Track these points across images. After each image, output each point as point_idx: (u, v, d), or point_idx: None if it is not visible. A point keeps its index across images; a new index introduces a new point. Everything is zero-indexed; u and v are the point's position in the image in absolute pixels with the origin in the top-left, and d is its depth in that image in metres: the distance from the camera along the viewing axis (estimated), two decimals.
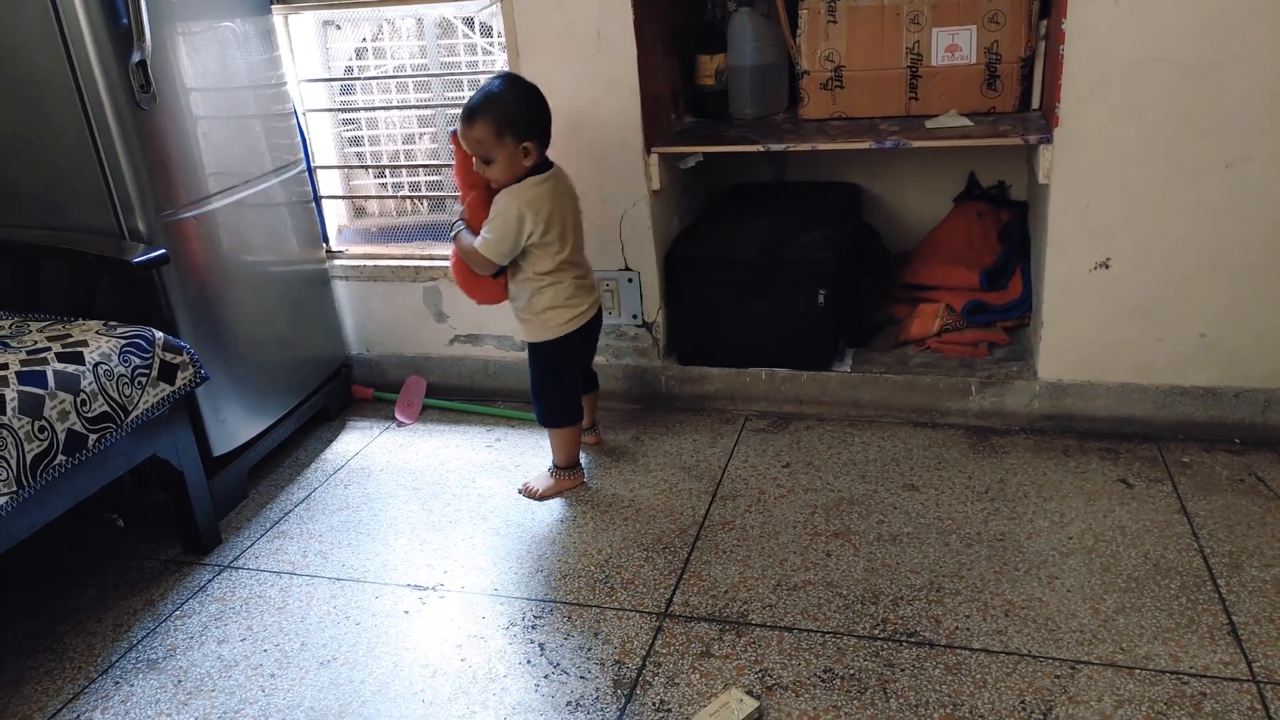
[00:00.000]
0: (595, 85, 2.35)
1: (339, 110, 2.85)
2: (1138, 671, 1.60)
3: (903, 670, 1.64)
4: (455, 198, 2.89)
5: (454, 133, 2.05)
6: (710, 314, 2.51)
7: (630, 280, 2.53)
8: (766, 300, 2.44)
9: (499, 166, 2.01)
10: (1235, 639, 1.65)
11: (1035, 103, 2.41)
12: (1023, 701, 1.55)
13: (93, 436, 1.80)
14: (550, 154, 2.46)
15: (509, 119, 1.97)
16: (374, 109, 2.86)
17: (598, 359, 2.65)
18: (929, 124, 2.35)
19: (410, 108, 2.86)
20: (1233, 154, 2.03)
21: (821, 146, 2.31)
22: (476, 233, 2.07)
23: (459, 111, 2.03)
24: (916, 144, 2.24)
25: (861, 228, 2.84)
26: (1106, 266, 2.19)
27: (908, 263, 2.77)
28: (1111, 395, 2.29)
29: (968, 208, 2.77)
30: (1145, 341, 2.22)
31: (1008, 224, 2.69)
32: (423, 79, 2.80)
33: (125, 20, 1.96)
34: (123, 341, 1.90)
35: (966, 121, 2.34)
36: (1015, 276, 2.59)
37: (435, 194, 2.92)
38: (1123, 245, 2.16)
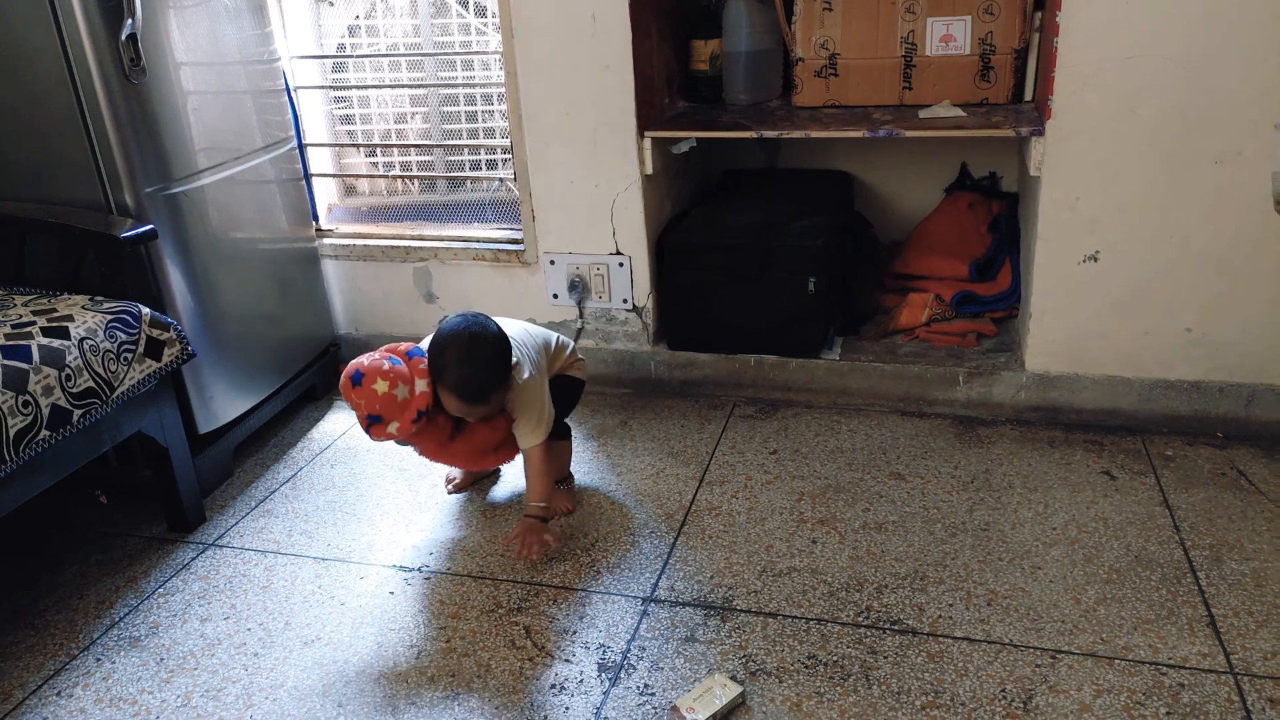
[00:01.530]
0: (589, 68, 2.34)
1: (331, 88, 2.83)
2: (1117, 662, 1.61)
3: (885, 658, 1.65)
4: (447, 178, 2.88)
5: (420, 417, 1.84)
6: (701, 300, 2.51)
7: (621, 264, 2.53)
8: (757, 287, 2.44)
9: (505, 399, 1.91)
10: (1214, 631, 1.66)
11: (1028, 94, 2.41)
12: (1003, 690, 1.57)
13: (77, 412, 1.79)
14: (544, 135, 2.45)
15: (505, 368, 1.86)
16: (366, 87, 2.84)
17: (586, 342, 2.65)
18: (922, 114, 2.35)
19: (403, 86, 2.84)
20: (1223, 149, 2.03)
21: (815, 134, 2.31)
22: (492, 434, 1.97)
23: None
24: (910, 134, 2.24)
25: (853, 216, 2.84)
26: (1095, 259, 2.19)
27: (898, 252, 2.77)
28: (1097, 387, 2.31)
29: (959, 198, 2.77)
30: (1132, 335, 2.24)
31: (998, 215, 2.70)
32: (416, 58, 2.78)
33: None
34: (109, 317, 1.89)
35: (959, 112, 2.34)
36: (1005, 268, 2.60)
37: (427, 174, 2.91)
38: (1112, 239, 2.17)
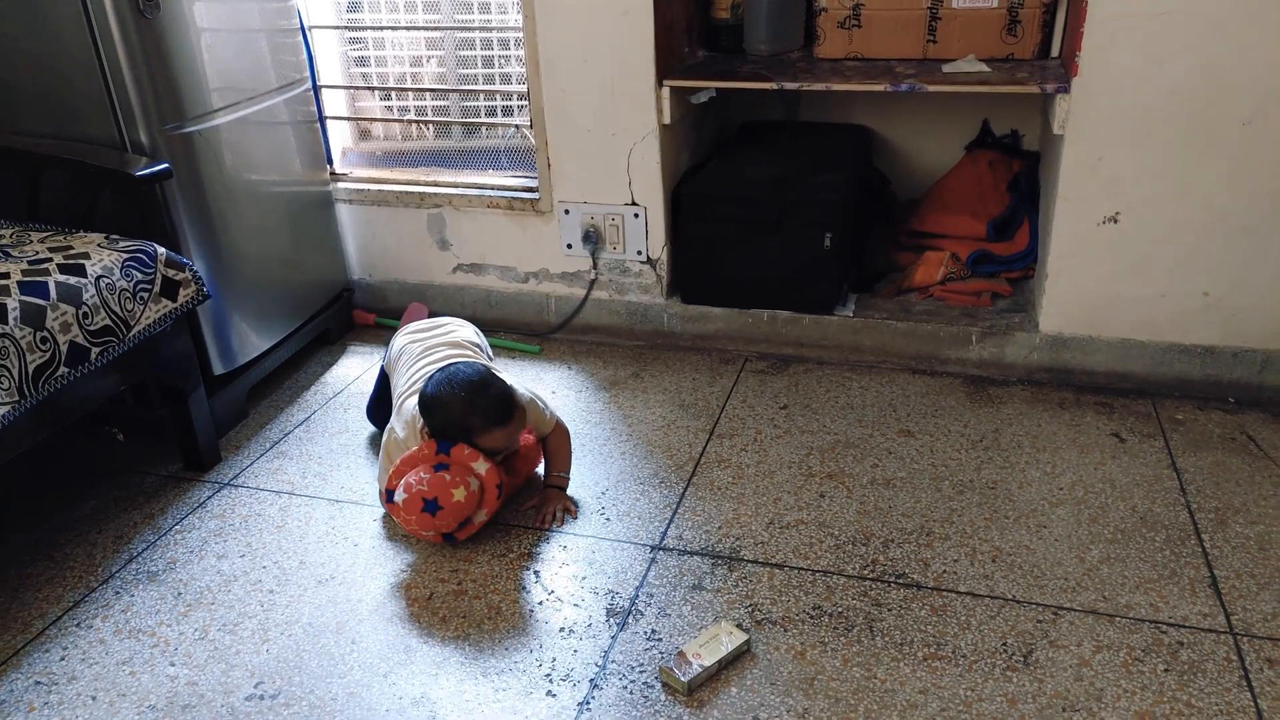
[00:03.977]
0: (608, 15, 2.31)
1: (346, 28, 2.80)
2: (1118, 619, 1.63)
3: (890, 610, 1.67)
4: (463, 123, 2.86)
5: (500, 490, 1.86)
6: (715, 253, 2.50)
7: (636, 215, 2.51)
8: (772, 241, 2.43)
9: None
10: (1215, 592, 1.68)
11: (1055, 50, 2.37)
12: (1005, 644, 1.59)
13: (95, 349, 1.80)
14: (562, 82, 2.43)
15: (494, 376, 1.89)
16: (381, 28, 2.81)
17: (599, 293, 2.65)
18: (946, 68, 2.32)
19: (418, 29, 2.80)
20: (1252, 111, 2.01)
21: (836, 87, 2.28)
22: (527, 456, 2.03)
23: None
24: (932, 88, 2.21)
25: (871, 172, 2.82)
26: (1115, 221, 2.18)
27: (915, 209, 2.75)
28: (1111, 350, 2.30)
29: (979, 156, 2.74)
30: (1148, 298, 2.23)
31: (1018, 174, 2.67)
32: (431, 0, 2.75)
33: None
34: (125, 255, 1.89)
35: (984, 67, 2.30)
36: (1022, 228, 2.58)
37: (442, 119, 2.88)
38: (1133, 200, 2.15)
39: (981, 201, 2.64)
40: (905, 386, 2.37)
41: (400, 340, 2.15)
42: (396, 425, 1.94)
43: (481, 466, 1.82)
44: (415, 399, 1.93)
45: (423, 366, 2.00)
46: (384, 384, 2.17)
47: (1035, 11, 2.31)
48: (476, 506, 1.82)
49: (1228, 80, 1.99)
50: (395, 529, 1.94)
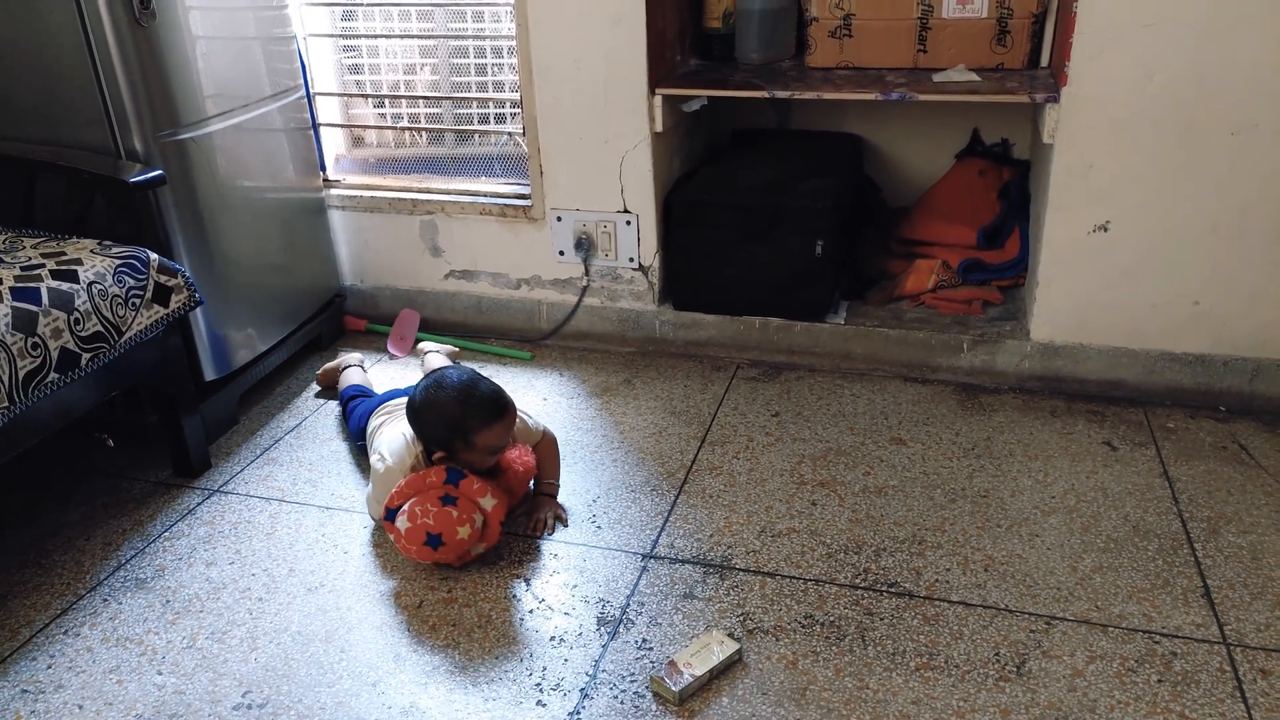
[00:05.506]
0: (601, 22, 2.31)
1: (340, 36, 2.80)
2: (1111, 629, 1.63)
3: (882, 619, 1.67)
4: (455, 131, 2.86)
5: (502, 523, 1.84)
6: (707, 260, 2.50)
7: (628, 222, 2.52)
8: (764, 248, 2.44)
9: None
10: (1208, 602, 1.68)
11: (1044, 60, 2.38)
12: (997, 654, 1.59)
13: (85, 356, 1.79)
14: (554, 90, 2.43)
15: (479, 375, 1.87)
16: (375, 36, 2.81)
17: (591, 300, 2.65)
18: (936, 77, 2.33)
19: (412, 37, 2.81)
20: (1240, 120, 2.02)
21: (827, 96, 2.29)
22: (525, 467, 1.97)
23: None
24: (923, 97, 2.22)
25: (862, 180, 2.83)
26: (1105, 230, 2.18)
27: (906, 217, 2.76)
28: (1102, 358, 2.31)
29: (969, 165, 2.75)
30: (1139, 306, 2.23)
31: (1009, 183, 2.68)
32: (426, 8, 2.75)
33: None
34: (117, 262, 1.89)
35: (974, 77, 2.31)
36: (1013, 236, 2.59)
37: (435, 127, 2.88)
38: (1123, 209, 2.15)
39: (972, 209, 2.65)
40: (897, 394, 2.37)
41: (375, 419, 2.10)
42: (386, 454, 1.88)
43: (488, 502, 1.80)
44: (397, 425, 1.93)
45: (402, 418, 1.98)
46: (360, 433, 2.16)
47: (1025, 22, 2.32)
48: (478, 541, 1.81)
49: (1216, 90, 2.00)
50: (385, 536, 1.93)
